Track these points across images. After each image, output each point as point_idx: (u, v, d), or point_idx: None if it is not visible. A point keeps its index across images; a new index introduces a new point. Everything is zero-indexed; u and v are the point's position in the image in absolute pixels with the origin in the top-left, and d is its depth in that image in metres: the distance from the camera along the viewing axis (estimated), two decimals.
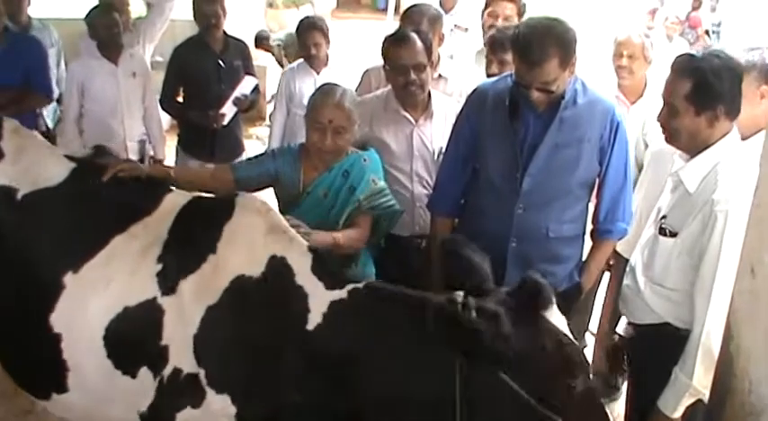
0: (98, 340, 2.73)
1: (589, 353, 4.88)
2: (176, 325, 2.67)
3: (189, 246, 2.78)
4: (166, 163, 5.54)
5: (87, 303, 2.76)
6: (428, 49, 3.65)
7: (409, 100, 3.68)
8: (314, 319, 2.59)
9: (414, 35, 3.64)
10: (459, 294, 2.45)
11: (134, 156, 5.23)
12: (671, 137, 2.83)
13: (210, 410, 2.63)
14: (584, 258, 3.36)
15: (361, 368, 2.53)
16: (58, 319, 2.79)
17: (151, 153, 5.37)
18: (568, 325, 2.49)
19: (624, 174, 3.23)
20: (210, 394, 2.62)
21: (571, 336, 2.44)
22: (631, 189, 3.29)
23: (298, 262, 2.67)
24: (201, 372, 2.63)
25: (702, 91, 2.69)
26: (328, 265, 2.70)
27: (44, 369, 2.86)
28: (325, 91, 3.27)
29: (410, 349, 2.48)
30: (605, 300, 4.39)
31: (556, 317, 2.45)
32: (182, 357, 2.65)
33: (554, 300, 2.45)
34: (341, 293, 2.62)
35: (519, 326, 2.35)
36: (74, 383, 2.82)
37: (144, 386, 2.71)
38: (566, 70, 2.97)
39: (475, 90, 3.38)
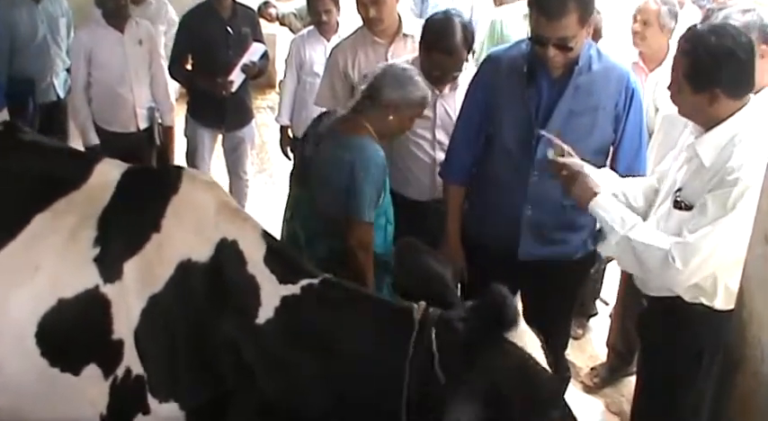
0: (28, 337, 2.36)
1: (600, 321, 4.91)
2: (125, 316, 2.36)
3: (129, 223, 2.44)
4: (176, 131, 5.55)
5: (8, 295, 2.37)
6: (466, 49, 3.60)
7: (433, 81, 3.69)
8: (265, 314, 2.38)
9: (457, 44, 3.54)
10: (422, 304, 2.32)
11: (143, 124, 5.23)
12: (680, 109, 2.78)
13: (160, 417, 2.40)
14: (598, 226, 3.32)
15: (306, 369, 2.37)
16: None
17: (160, 121, 5.34)
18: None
19: (639, 142, 3.19)
20: (154, 403, 2.37)
21: (544, 360, 2.22)
22: (646, 156, 3.26)
23: (250, 248, 2.42)
24: (144, 376, 2.38)
25: (696, 72, 2.61)
26: (282, 256, 2.47)
27: None
28: (424, 89, 3.30)
29: (357, 356, 2.33)
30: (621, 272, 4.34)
31: (526, 337, 2.20)
32: (131, 355, 2.36)
33: (520, 317, 2.19)
34: (294, 288, 2.40)
35: (483, 352, 2.14)
36: None
37: (92, 385, 2.40)
38: (583, 29, 2.92)
39: (488, 57, 3.35)
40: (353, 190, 3.15)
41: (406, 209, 3.59)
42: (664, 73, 4.10)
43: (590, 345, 4.77)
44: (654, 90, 4.16)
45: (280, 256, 2.46)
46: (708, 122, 2.70)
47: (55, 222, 2.43)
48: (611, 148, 3.22)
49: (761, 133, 2.64)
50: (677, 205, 2.76)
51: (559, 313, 3.42)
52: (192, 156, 5.42)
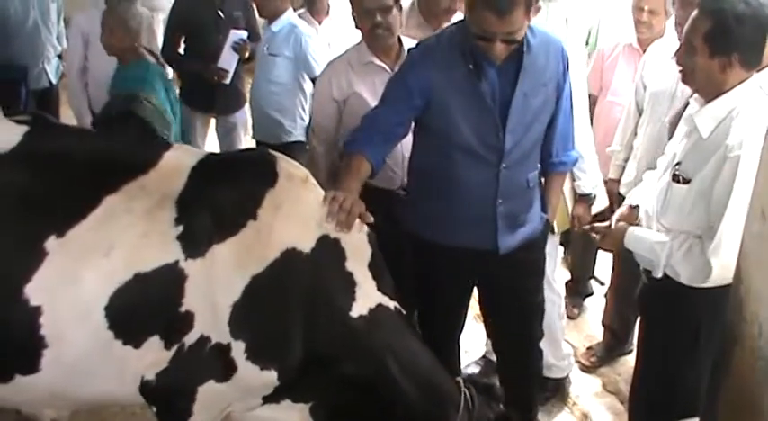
0: (97, 311, 2.46)
1: (596, 300, 4.93)
2: (204, 290, 2.50)
3: (220, 208, 2.57)
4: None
5: (80, 271, 2.46)
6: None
7: (379, 45, 3.51)
8: (359, 309, 2.62)
9: None
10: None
11: None
12: (686, 75, 2.76)
13: (247, 386, 2.59)
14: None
15: (374, 380, 2.66)
16: (39, 290, 2.44)
17: None
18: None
19: (570, 105, 3.16)
20: (254, 370, 2.55)
21: None
22: (573, 117, 3.25)
23: (353, 249, 2.65)
24: (240, 345, 2.52)
25: (719, 34, 2.59)
26: (381, 266, 2.72)
27: (13, 347, 2.48)
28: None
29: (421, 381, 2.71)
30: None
31: None
32: (210, 326, 2.51)
33: None
34: (389, 302, 2.69)
35: None
36: (49, 361, 2.48)
37: (147, 354, 2.53)
38: (528, 17, 2.81)
39: (417, 48, 3.12)
40: None
41: (375, 196, 3.24)
42: (653, 51, 4.07)
43: (586, 325, 4.79)
44: (642, 66, 4.08)
45: (381, 267, 2.72)
46: (712, 92, 2.70)
47: (128, 204, 2.54)
48: None
49: (758, 108, 2.64)
50: (675, 178, 2.76)
51: (533, 293, 3.33)
52: (184, 140, 5.38)
